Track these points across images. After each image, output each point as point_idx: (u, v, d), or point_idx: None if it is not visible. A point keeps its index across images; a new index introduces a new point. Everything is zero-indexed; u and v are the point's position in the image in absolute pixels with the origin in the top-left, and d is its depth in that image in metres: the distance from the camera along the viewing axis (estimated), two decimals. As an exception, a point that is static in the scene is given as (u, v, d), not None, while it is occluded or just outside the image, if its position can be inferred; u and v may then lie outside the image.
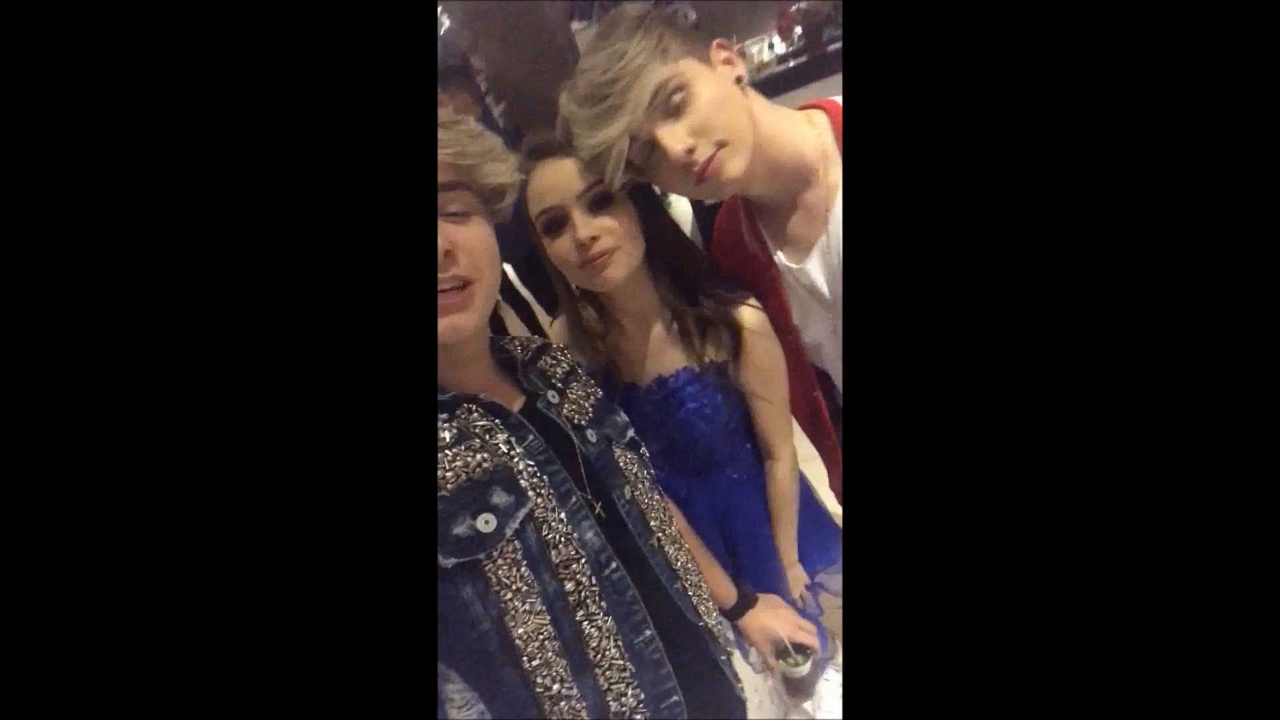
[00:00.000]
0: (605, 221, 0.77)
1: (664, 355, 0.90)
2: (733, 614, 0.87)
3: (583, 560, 0.58)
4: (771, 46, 3.05)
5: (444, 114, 0.57)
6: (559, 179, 0.76)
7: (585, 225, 0.76)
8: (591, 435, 0.68)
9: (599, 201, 0.77)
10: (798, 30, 2.93)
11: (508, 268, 2.63)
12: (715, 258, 0.99)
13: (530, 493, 0.57)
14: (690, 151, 0.72)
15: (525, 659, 0.54)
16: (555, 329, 0.97)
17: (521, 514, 0.56)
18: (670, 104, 0.72)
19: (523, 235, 0.83)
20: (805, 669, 0.85)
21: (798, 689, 0.87)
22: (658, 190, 0.87)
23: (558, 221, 0.78)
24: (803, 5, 2.87)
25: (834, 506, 1.12)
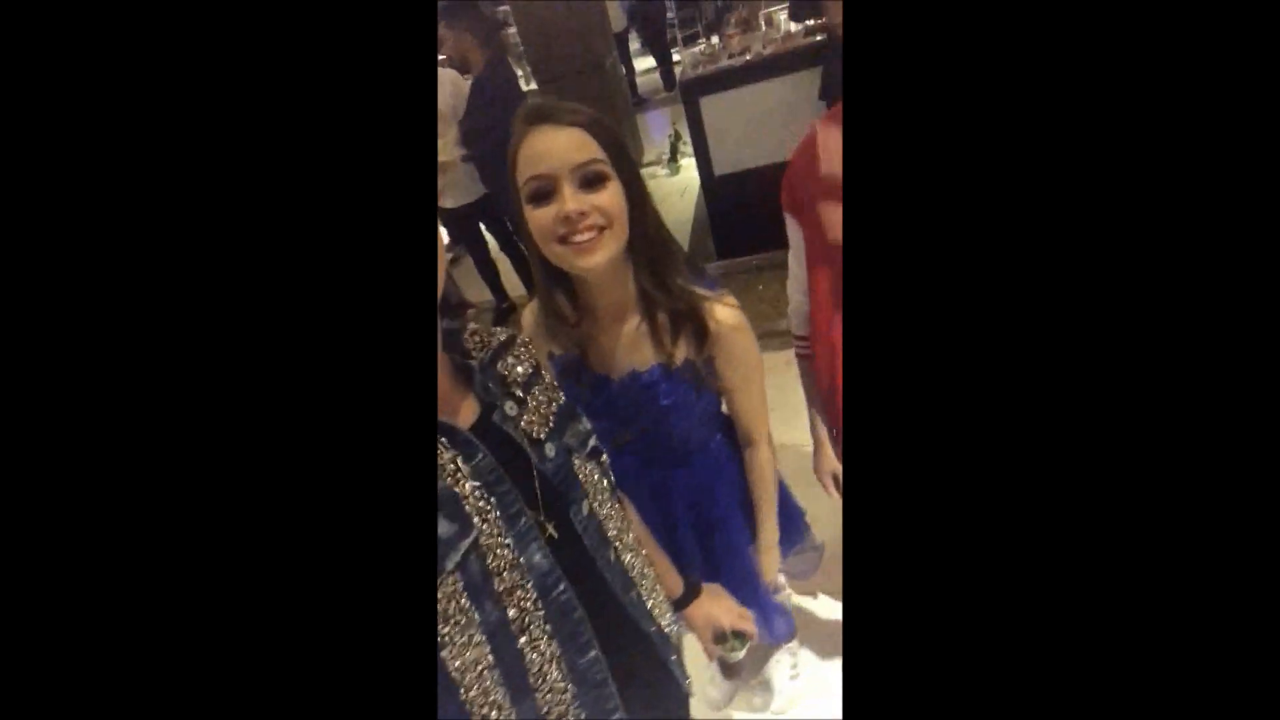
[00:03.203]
0: (596, 199, 0.75)
1: (636, 350, 0.89)
2: (679, 604, 0.89)
3: (528, 585, 0.58)
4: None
5: None
6: (556, 147, 0.74)
7: (575, 199, 0.74)
8: (550, 450, 0.66)
9: (593, 179, 0.75)
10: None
11: (487, 235, 2.58)
12: (785, 186, 1.01)
13: (475, 518, 0.56)
14: None
15: (462, 690, 0.54)
16: (526, 315, 0.96)
17: (465, 545, 0.55)
18: None
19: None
20: (741, 653, 0.90)
21: (733, 671, 0.93)
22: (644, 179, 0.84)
23: (545, 191, 0.75)
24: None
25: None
